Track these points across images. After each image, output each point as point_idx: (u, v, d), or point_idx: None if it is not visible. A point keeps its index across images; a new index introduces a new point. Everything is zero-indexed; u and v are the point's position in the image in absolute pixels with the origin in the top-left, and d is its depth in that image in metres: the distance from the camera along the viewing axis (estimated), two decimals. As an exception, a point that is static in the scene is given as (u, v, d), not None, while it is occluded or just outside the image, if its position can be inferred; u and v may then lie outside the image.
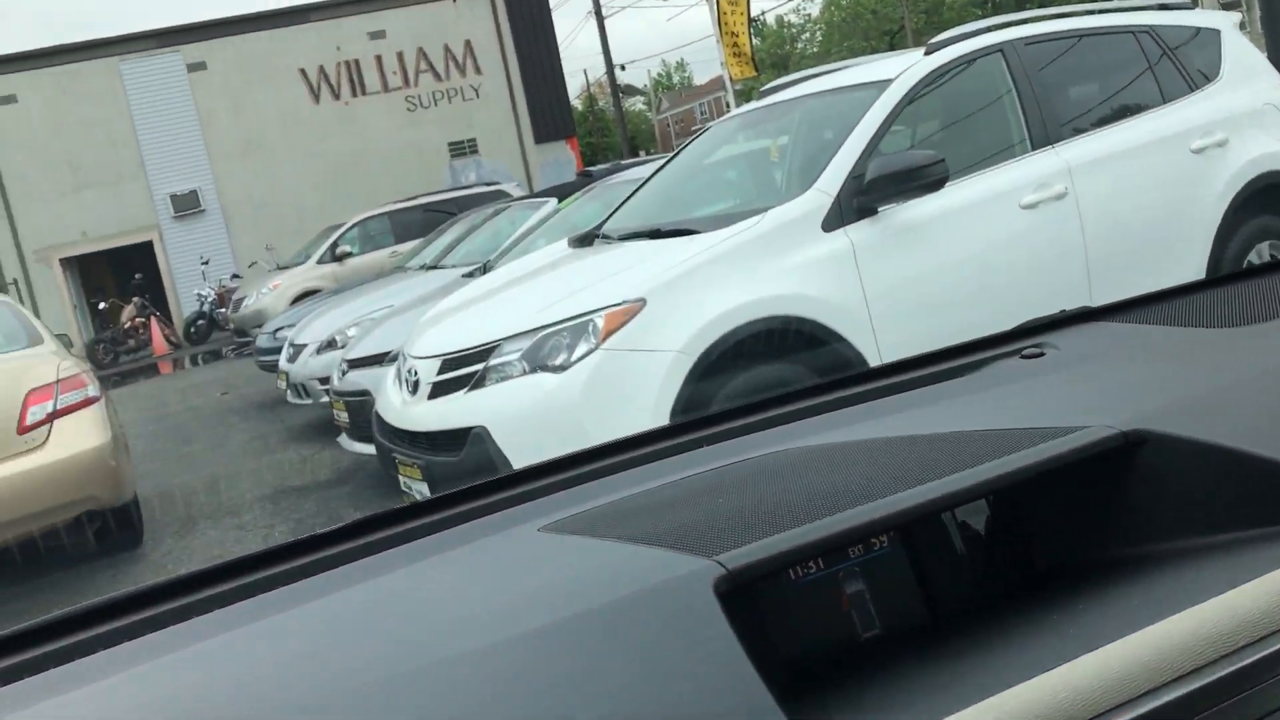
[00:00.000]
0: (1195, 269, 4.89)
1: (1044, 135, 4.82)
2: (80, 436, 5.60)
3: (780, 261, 4.18)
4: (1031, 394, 1.37)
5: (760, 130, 5.85)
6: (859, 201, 4.34)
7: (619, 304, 4.03)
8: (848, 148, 4.49)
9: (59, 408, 5.58)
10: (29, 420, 5.49)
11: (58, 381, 5.66)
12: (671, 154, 6.12)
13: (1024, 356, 1.52)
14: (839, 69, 5.75)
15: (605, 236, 5.18)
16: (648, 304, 4.02)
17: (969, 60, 4.93)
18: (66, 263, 25.61)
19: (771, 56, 52.56)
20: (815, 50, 52.62)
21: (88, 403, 5.74)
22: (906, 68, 4.79)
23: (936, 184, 4.28)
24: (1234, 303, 1.62)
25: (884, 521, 1.00)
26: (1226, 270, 4.83)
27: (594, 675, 0.84)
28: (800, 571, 1.02)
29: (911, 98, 4.68)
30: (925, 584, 1.09)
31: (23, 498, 5.40)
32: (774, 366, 4.04)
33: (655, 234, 4.73)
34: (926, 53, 4.94)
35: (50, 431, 5.52)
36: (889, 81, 4.70)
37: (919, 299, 4.33)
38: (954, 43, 4.96)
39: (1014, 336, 1.63)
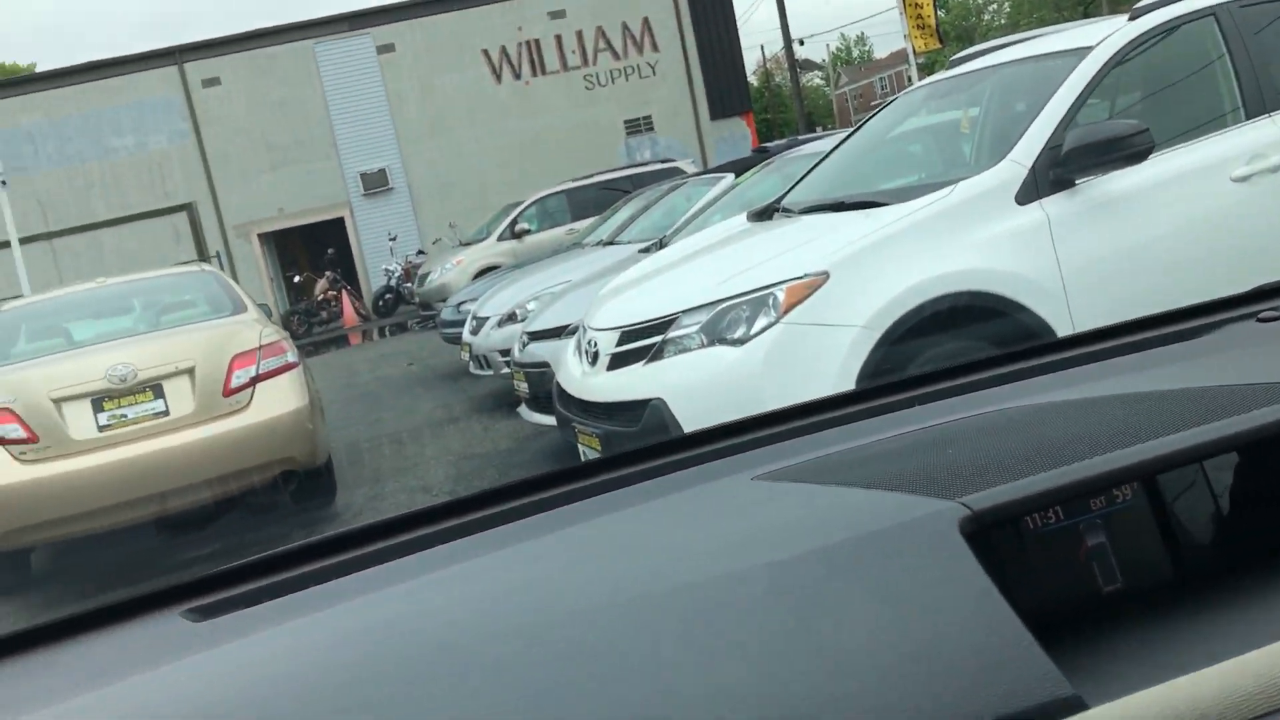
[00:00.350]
0: None
1: (1260, 103, 4.52)
2: (280, 400, 5.89)
3: (970, 235, 4.05)
4: (1274, 356, 1.28)
5: (949, 101, 5.67)
6: (1055, 173, 4.16)
7: (801, 277, 3.98)
8: (1044, 117, 4.30)
9: (261, 373, 5.88)
10: (234, 384, 5.81)
11: (260, 348, 5.96)
12: (855, 127, 6.00)
13: (1261, 320, 1.43)
14: (1033, 37, 5.52)
15: (786, 210, 5.13)
16: (831, 277, 3.96)
17: (1177, 25, 4.65)
18: (264, 237, 26.99)
19: (957, 29, 50.97)
20: (1003, 22, 50.73)
21: (287, 368, 6.03)
22: (1109, 34, 4.55)
23: (1140, 155, 4.06)
24: None
25: (1133, 469, 0.97)
26: None
27: (837, 607, 0.85)
28: (1039, 521, 0.99)
29: (1114, 65, 4.45)
30: (1170, 540, 1.04)
31: (227, 456, 5.72)
32: (962, 344, 3.92)
33: (838, 207, 4.64)
34: (1131, 18, 4.69)
35: (253, 395, 5.83)
36: (1090, 48, 4.48)
37: (1118, 276, 4.12)
38: (1161, 6, 4.69)
39: (1250, 299, 1.53)
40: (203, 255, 25.40)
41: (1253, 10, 4.71)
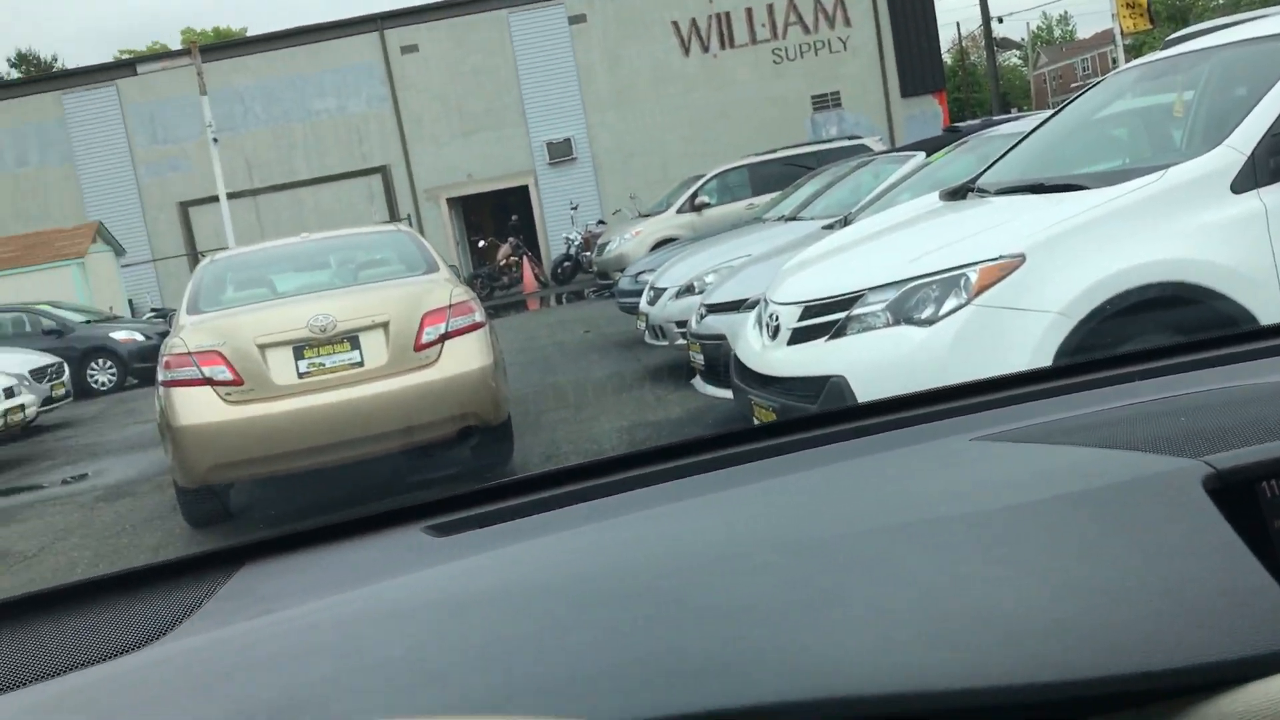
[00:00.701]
0: None
1: None
2: (467, 357, 6.09)
3: (1179, 223, 3.86)
4: None
5: (1162, 83, 5.39)
6: (1276, 162, 3.92)
7: (996, 259, 3.87)
8: (1267, 102, 4.05)
9: (450, 330, 6.09)
10: (424, 339, 6.03)
11: (450, 306, 6.16)
12: (1058, 107, 5.77)
13: None
14: (1256, 18, 5.19)
15: (981, 190, 4.98)
16: (1027, 260, 3.84)
17: None
18: (451, 202, 27.85)
19: (1169, 9, 48.29)
20: (1221, 2, 47.77)
21: (475, 327, 6.22)
22: (1350, 12, 4.25)
23: (1379, 140, 3.78)
24: None
25: None
26: None
27: (1088, 549, 0.88)
28: (1274, 489, 0.97)
29: (1353, 46, 4.15)
30: None
31: (414, 408, 5.95)
32: (1161, 336, 3.75)
33: (1037, 188, 4.49)
34: (1374, -5, 4.36)
35: (442, 351, 6.04)
36: (1324, 28, 4.20)
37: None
38: None
39: None
40: (394, 217, 26.40)
41: None
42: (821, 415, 1.37)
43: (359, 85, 27.48)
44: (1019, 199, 4.51)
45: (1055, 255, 3.86)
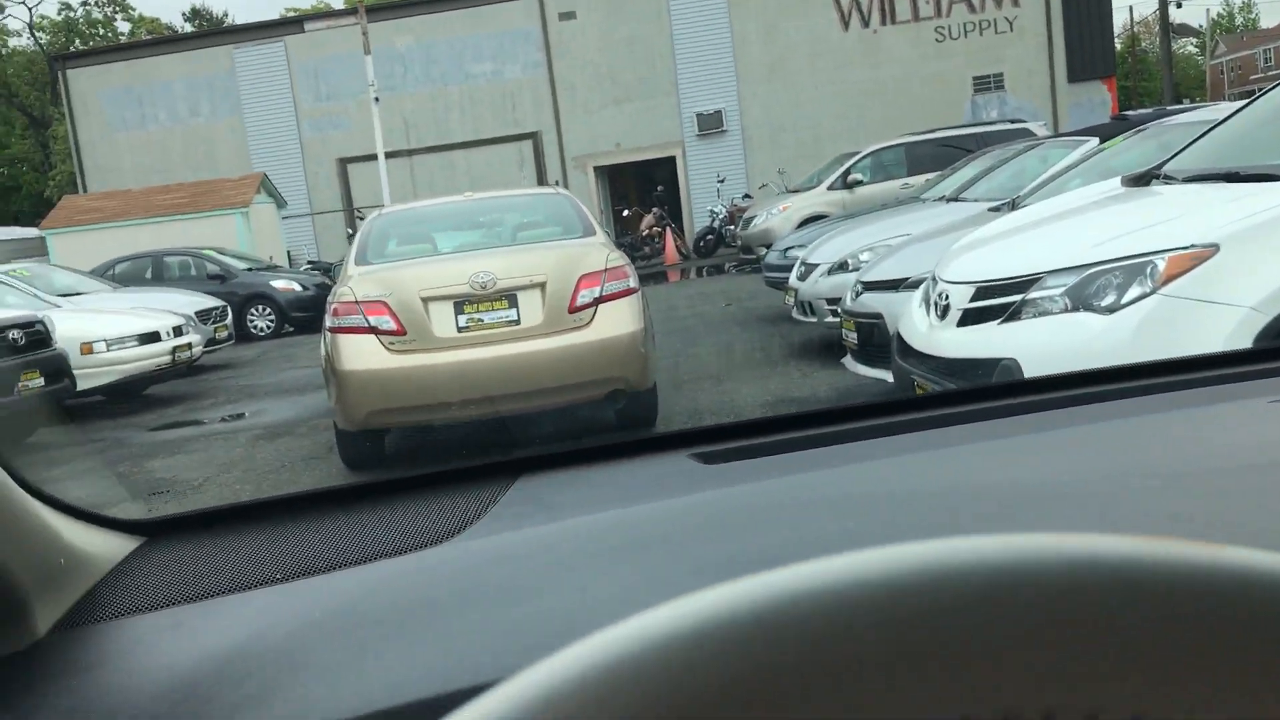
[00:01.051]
0: None
1: None
2: (619, 321, 6.14)
3: (1393, 220, 3.62)
4: None
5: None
6: None
7: (1187, 248, 3.70)
8: None
9: (604, 294, 6.14)
10: (579, 301, 6.10)
11: (605, 270, 6.21)
12: (1256, 94, 5.48)
13: None
14: None
15: (1167, 177, 4.77)
16: (1221, 250, 3.66)
17: None
18: (599, 171, 28.05)
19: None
20: None
21: (628, 293, 6.26)
22: None
23: None
24: None
25: None
26: None
27: None
28: None
29: None
30: None
31: (567, 368, 6.04)
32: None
33: (1232, 177, 4.27)
34: None
35: (595, 314, 6.10)
36: None
37: None
38: None
39: None
40: (542, 182, 26.71)
41: None
42: (1042, 380, 1.37)
43: (516, 51, 27.84)
44: (1211, 187, 4.31)
45: (1251, 247, 3.67)
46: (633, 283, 6.37)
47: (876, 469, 1.11)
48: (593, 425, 6.68)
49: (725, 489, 1.09)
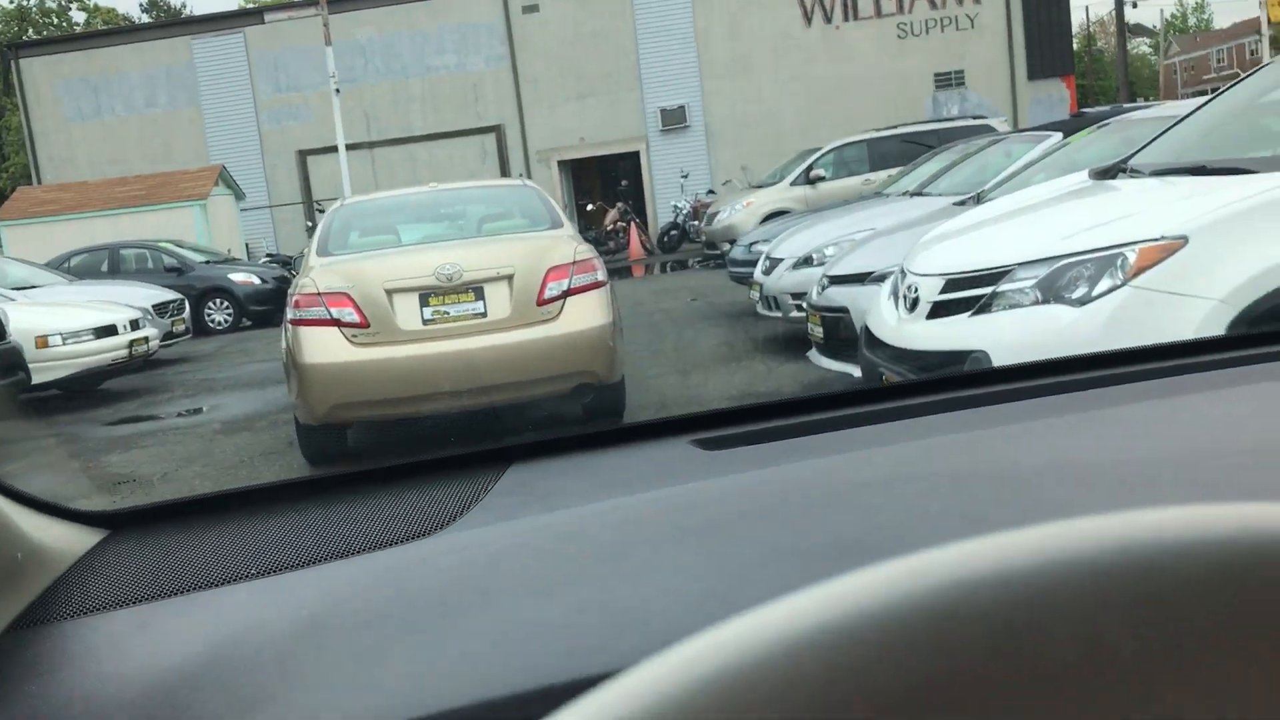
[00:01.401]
0: None
1: None
2: (588, 315, 6.09)
3: (1360, 213, 3.65)
4: None
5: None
6: None
7: (1157, 239, 3.71)
8: None
9: (573, 286, 6.08)
10: (547, 294, 6.04)
11: (574, 263, 6.16)
12: (1221, 89, 5.52)
13: None
14: None
15: (1134, 170, 4.79)
16: (1190, 242, 3.67)
17: None
18: (563, 164, 27.95)
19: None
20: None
21: (596, 285, 6.21)
22: None
23: None
24: None
25: None
26: None
27: None
28: None
29: None
30: None
31: (534, 362, 5.98)
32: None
33: (1199, 171, 4.29)
34: None
35: (563, 307, 6.04)
36: None
37: None
38: None
39: None
40: (505, 176, 26.59)
41: None
42: (1076, 359, 1.36)
43: (478, 43, 27.66)
44: (1178, 180, 4.33)
45: (1219, 240, 3.69)
46: (601, 276, 6.33)
47: (882, 454, 1.08)
48: (580, 415, 6.61)
49: (729, 476, 1.06)
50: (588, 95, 27.33)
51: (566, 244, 6.34)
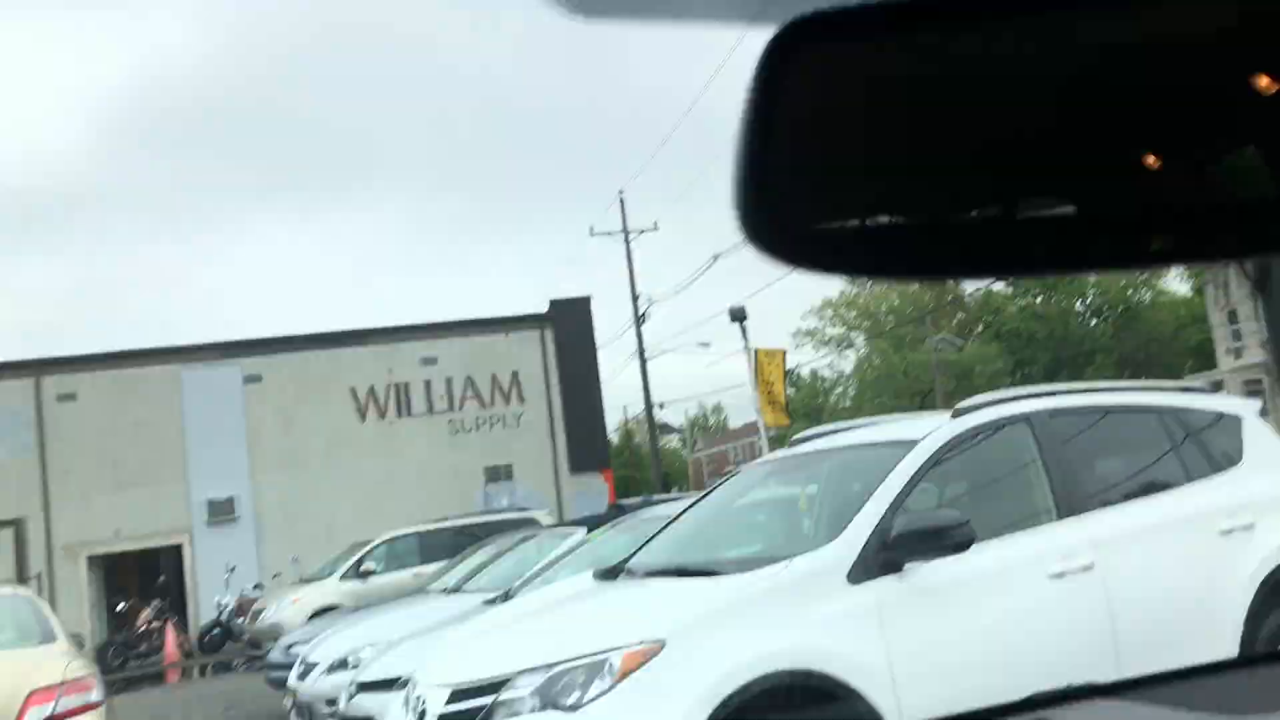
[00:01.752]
0: (1226, 650, 4.76)
1: (1069, 506, 4.85)
2: (76, 743, 5.43)
3: (803, 612, 4.14)
4: None
5: (790, 477, 5.94)
6: (884, 556, 4.33)
7: (638, 644, 3.97)
8: (874, 502, 4.53)
9: (59, 711, 5.44)
10: (27, 721, 5.35)
11: (63, 684, 5.55)
12: (702, 493, 6.21)
13: None
14: (870, 424, 5.91)
15: (630, 571, 5.18)
16: (667, 645, 3.96)
17: (996, 427, 5.05)
18: (93, 560, 25.64)
19: (805, 407, 53.93)
20: (848, 405, 53.96)
21: (88, 708, 5.60)
22: (933, 429, 4.91)
23: (962, 545, 4.28)
24: (1255, 688, 1.60)
25: None
26: (1260, 653, 4.70)
27: None
28: None
29: (938, 460, 4.77)
30: None
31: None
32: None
33: (681, 572, 4.72)
34: (953, 416, 5.08)
35: (46, 735, 5.36)
36: (915, 442, 4.81)
37: (943, 661, 4.22)
38: (981, 408, 5.11)
39: (1019, 709, 1.62)
40: (22, 575, 23.94)
41: (1061, 420, 5.16)
42: None
43: (3, 432, 25.53)
44: (665, 582, 4.72)
45: (692, 641, 4.01)
46: (95, 696, 5.73)
47: None
48: None
49: None
50: (128, 485, 25.71)
51: (57, 661, 5.74)
